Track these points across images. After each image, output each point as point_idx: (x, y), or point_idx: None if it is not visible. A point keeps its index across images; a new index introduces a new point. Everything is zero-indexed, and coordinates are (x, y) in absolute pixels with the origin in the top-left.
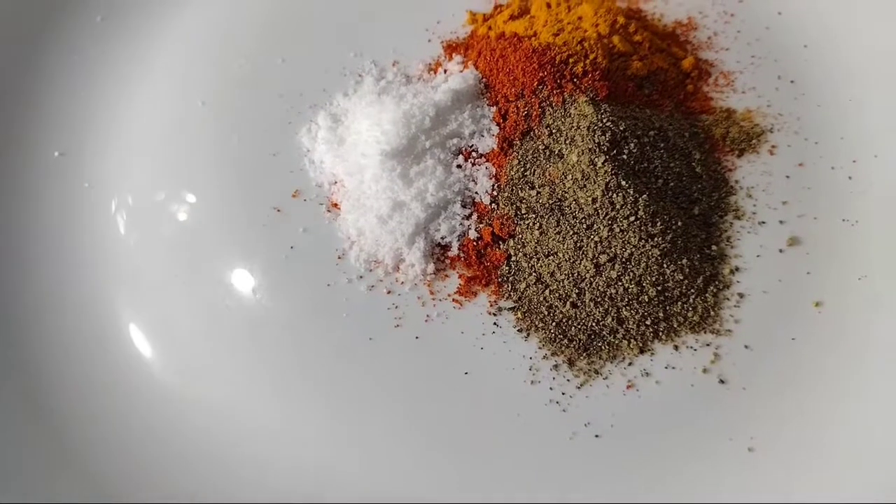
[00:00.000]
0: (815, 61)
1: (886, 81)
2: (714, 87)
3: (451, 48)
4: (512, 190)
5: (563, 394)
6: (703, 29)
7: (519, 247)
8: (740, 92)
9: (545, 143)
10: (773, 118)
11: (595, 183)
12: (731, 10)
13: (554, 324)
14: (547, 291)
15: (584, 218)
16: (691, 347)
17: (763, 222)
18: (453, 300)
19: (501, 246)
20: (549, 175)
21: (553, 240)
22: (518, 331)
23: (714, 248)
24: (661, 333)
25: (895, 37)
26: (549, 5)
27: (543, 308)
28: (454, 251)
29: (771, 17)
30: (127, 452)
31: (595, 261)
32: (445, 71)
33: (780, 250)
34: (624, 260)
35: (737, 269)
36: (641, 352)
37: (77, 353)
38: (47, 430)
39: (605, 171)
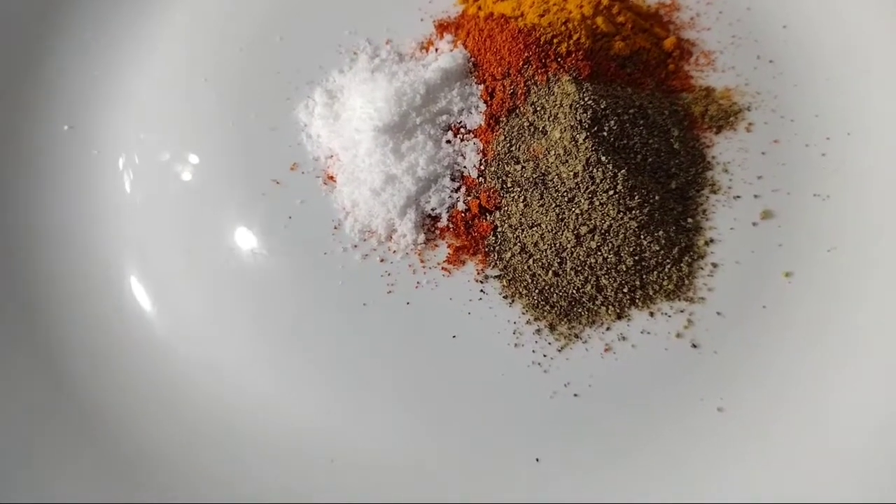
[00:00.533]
0: (794, 42)
1: (861, 61)
2: (695, 65)
3: (442, 27)
4: (498, 164)
5: (544, 356)
6: (686, 9)
7: (505, 218)
8: (720, 71)
9: (530, 119)
10: (751, 97)
11: (576, 158)
12: None
13: (537, 291)
14: (531, 261)
15: (565, 191)
16: (666, 314)
17: (738, 196)
18: (442, 268)
19: (488, 217)
20: (534, 150)
21: (536, 212)
22: (503, 297)
23: (690, 220)
24: (637, 300)
25: (870, 18)
26: None
27: (527, 276)
28: (444, 222)
29: None
30: (128, 408)
31: (576, 232)
32: (437, 50)
33: (754, 223)
34: (603, 231)
35: (711, 240)
36: (619, 317)
37: (84, 312)
38: (53, 392)
39: (586, 147)
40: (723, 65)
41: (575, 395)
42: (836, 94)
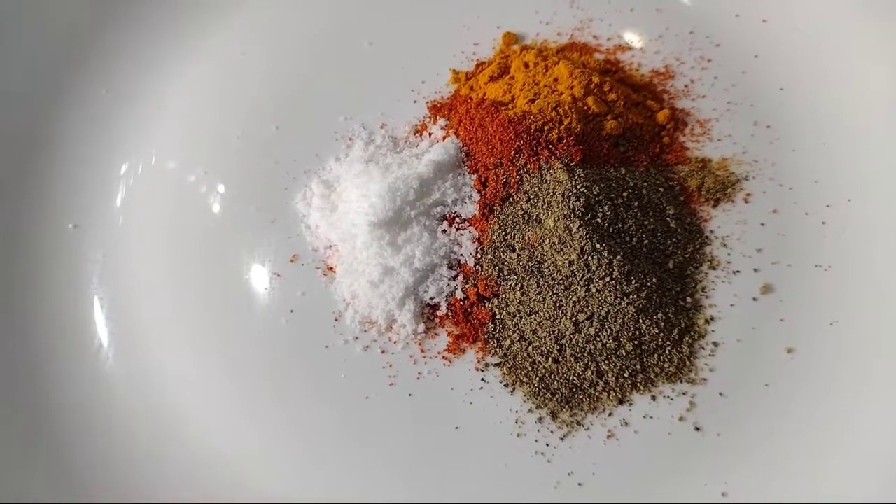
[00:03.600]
0: (791, 104)
1: (860, 123)
2: (690, 136)
3: (435, 109)
4: (494, 253)
5: (547, 445)
6: (680, 76)
7: (503, 306)
8: (716, 140)
9: (524, 208)
10: (748, 165)
11: (571, 247)
12: (708, 56)
13: (538, 378)
14: (530, 348)
15: (562, 279)
16: (668, 397)
17: (738, 271)
18: (443, 357)
19: (486, 305)
20: (529, 239)
21: (534, 300)
22: (504, 385)
23: (689, 299)
24: (638, 384)
25: (869, 78)
26: (526, 65)
27: (527, 363)
28: (443, 310)
29: (747, 61)
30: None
31: (574, 319)
32: (430, 134)
33: (754, 298)
34: (601, 317)
35: (711, 318)
36: (620, 402)
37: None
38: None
39: (580, 236)
40: (719, 133)
41: (579, 484)
42: (836, 159)
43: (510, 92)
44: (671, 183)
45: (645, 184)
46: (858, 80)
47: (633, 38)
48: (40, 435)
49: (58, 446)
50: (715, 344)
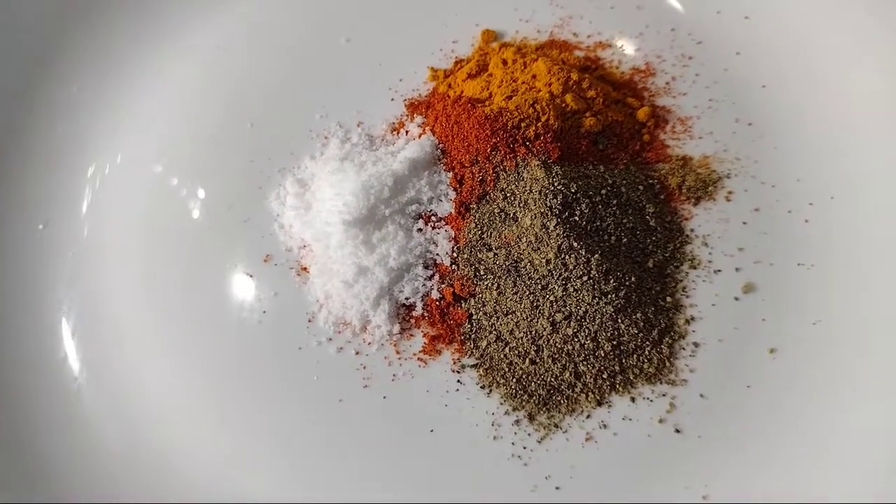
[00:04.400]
0: (773, 102)
1: (843, 120)
2: (671, 134)
3: (412, 107)
4: (470, 252)
5: (524, 448)
6: (661, 74)
7: (479, 306)
8: (697, 138)
9: (500, 206)
10: (730, 163)
11: (548, 245)
12: (689, 53)
13: (514, 380)
14: (507, 349)
15: (539, 279)
16: (647, 398)
17: (719, 270)
18: (418, 359)
19: (463, 305)
20: (505, 237)
21: (511, 300)
22: (480, 387)
23: (669, 299)
24: (617, 386)
25: (853, 76)
26: (504, 62)
27: (504, 365)
28: (418, 311)
29: (729, 58)
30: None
31: (551, 319)
32: (407, 132)
33: (736, 298)
34: (579, 317)
35: (692, 318)
36: (599, 404)
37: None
38: None
39: (557, 234)
40: (700, 131)
41: (557, 487)
42: (819, 157)
43: (488, 89)
44: (651, 181)
45: (624, 181)
46: (842, 77)
47: (613, 36)
48: (6, 439)
49: (24, 450)
50: (696, 344)
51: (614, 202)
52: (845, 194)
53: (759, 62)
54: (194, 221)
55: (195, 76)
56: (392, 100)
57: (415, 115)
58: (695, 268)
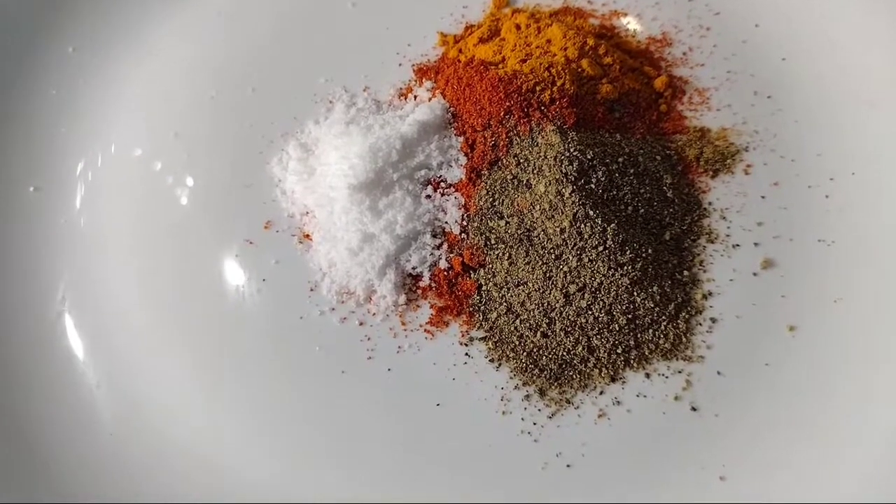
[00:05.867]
0: (793, 75)
1: (865, 95)
2: (688, 105)
3: (421, 72)
4: (481, 220)
5: (534, 424)
6: (678, 44)
7: (489, 276)
8: (715, 109)
9: (513, 172)
10: (748, 136)
11: (563, 213)
12: (706, 24)
13: (525, 353)
14: (518, 321)
15: (552, 248)
16: (663, 375)
17: (737, 245)
18: (425, 330)
19: (472, 275)
20: (518, 205)
21: (522, 270)
22: (489, 361)
23: (686, 273)
24: (632, 361)
25: (874, 50)
26: (518, 27)
27: (514, 338)
28: (425, 281)
29: (748, 31)
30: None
31: (564, 290)
32: (415, 97)
33: (754, 273)
34: (593, 289)
35: (709, 293)
36: (612, 380)
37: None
38: None
39: (573, 202)
40: (718, 103)
41: (568, 465)
42: (839, 131)
43: (500, 53)
44: (668, 152)
45: (641, 151)
46: (864, 51)
47: (628, 4)
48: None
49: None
50: (713, 320)
51: (631, 171)
52: (867, 170)
53: (778, 35)
54: (193, 187)
55: (195, 38)
56: (400, 65)
57: (423, 80)
58: (712, 242)
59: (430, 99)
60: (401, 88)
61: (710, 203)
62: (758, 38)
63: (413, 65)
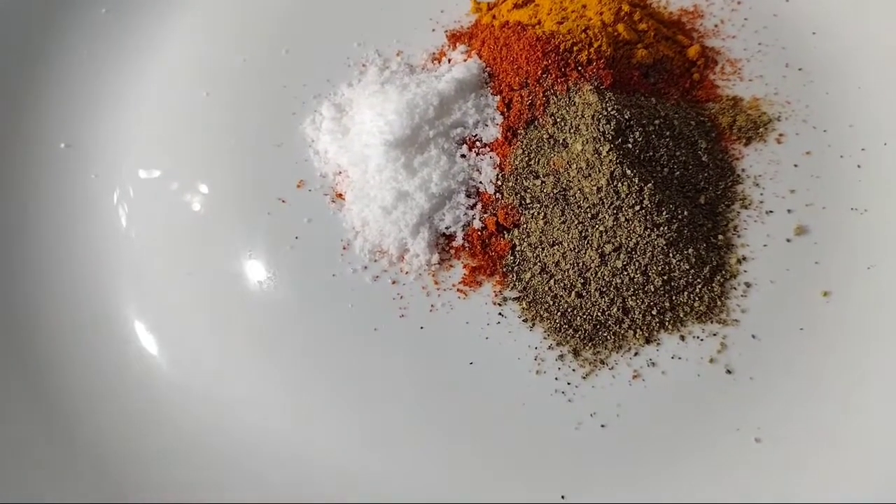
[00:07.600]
0: (824, 49)
1: (893, 70)
2: (721, 75)
3: (454, 37)
4: (516, 179)
5: (568, 384)
6: (710, 17)
7: (524, 236)
8: (747, 80)
9: (549, 132)
10: (780, 106)
11: (600, 172)
12: None
13: (559, 314)
14: (552, 281)
15: (588, 207)
16: (697, 337)
17: (770, 211)
18: (458, 290)
19: (506, 236)
20: (554, 164)
21: (558, 229)
22: (523, 321)
23: (720, 237)
24: (667, 323)
25: None
26: None
27: (548, 298)
28: (459, 241)
29: (779, 5)
30: (134, 449)
31: (600, 250)
32: (449, 61)
33: (788, 240)
34: (629, 249)
35: (744, 258)
36: (647, 342)
37: (81, 349)
38: (53, 429)
39: (610, 160)
40: (750, 73)
41: (602, 425)
42: (871, 103)
43: (536, 17)
44: (702, 118)
45: (676, 115)
46: (891, 25)
47: None
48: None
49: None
50: (747, 284)
51: (667, 134)
52: None
53: (808, 9)
54: (224, 142)
55: (232, 3)
56: (433, 30)
57: (457, 45)
58: (746, 207)
59: (465, 60)
60: (434, 53)
61: (743, 170)
62: (788, 12)
63: (446, 30)
